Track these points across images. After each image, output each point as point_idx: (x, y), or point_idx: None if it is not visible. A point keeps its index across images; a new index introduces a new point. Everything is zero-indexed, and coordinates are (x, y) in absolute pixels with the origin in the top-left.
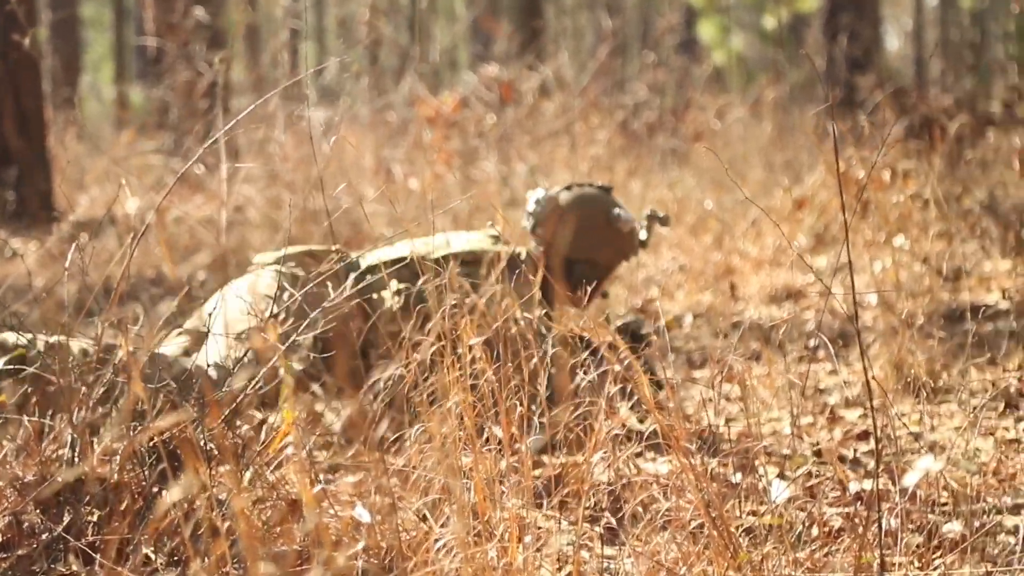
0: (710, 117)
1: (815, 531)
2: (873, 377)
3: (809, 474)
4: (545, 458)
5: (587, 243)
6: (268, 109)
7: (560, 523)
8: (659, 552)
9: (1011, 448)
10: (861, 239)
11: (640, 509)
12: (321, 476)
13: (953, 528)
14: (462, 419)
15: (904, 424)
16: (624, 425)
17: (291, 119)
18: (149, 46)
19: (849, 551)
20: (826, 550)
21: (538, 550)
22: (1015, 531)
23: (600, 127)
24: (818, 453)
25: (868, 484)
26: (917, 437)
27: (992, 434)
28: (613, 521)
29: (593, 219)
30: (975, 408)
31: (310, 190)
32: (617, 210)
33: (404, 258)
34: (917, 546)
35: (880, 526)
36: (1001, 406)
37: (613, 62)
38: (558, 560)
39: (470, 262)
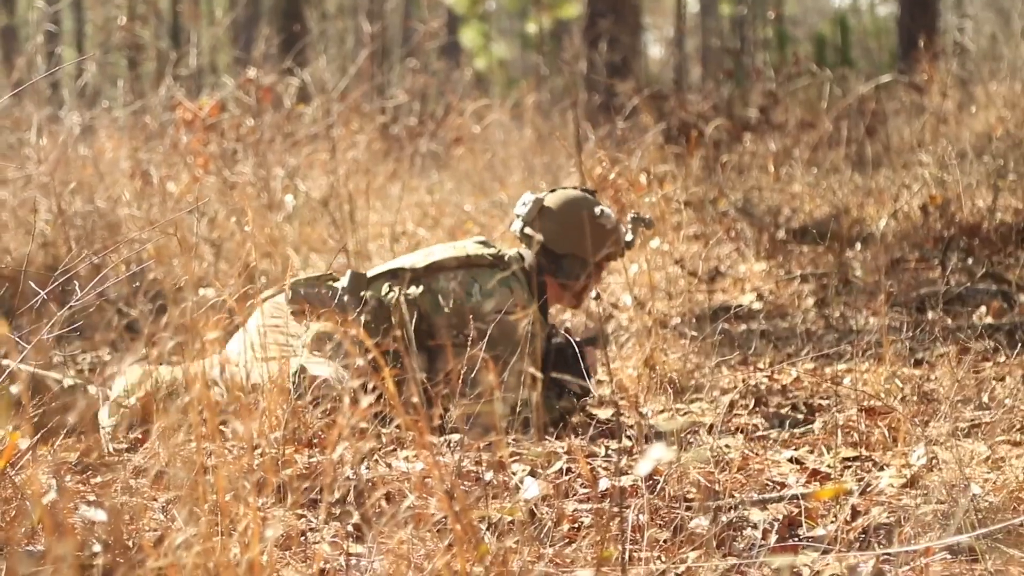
0: (470, 121)
1: (566, 527)
2: (619, 378)
3: (560, 471)
4: (297, 456)
5: (573, 238)
6: (24, 112)
7: (309, 520)
8: (404, 547)
9: (759, 444)
10: None
11: (386, 505)
12: (68, 476)
13: (700, 523)
14: (204, 415)
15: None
16: (368, 420)
17: (47, 122)
18: None
19: (594, 546)
20: (573, 546)
21: (284, 547)
22: (759, 526)
23: (360, 131)
24: (569, 451)
25: (619, 481)
26: (665, 433)
27: (741, 431)
28: (356, 517)
29: (578, 215)
30: (722, 405)
31: (64, 193)
32: (600, 207)
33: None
34: (664, 541)
35: (625, 520)
36: (751, 403)
37: (374, 67)
38: (305, 557)
39: (460, 267)
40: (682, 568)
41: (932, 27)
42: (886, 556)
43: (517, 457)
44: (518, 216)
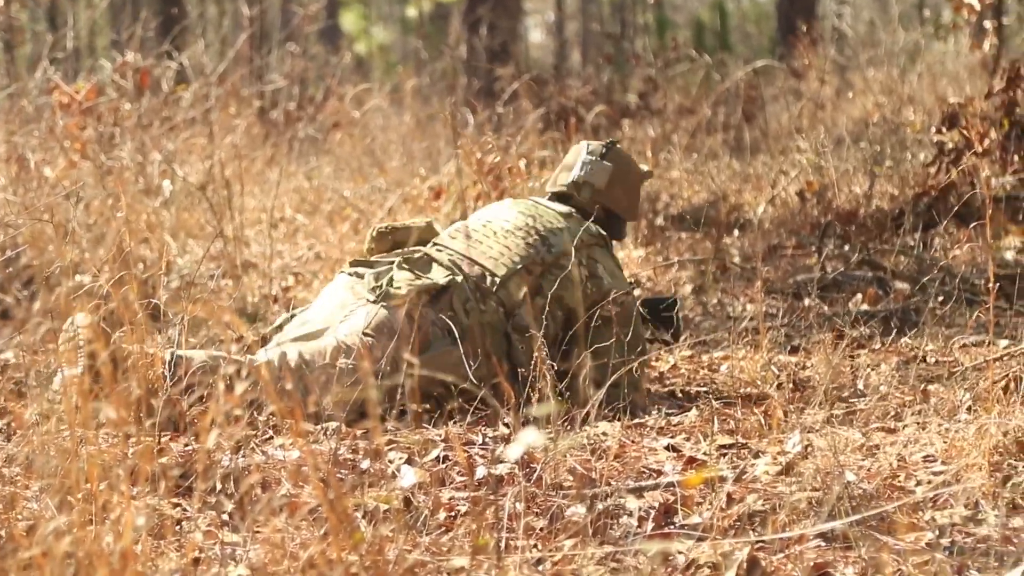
0: (350, 106)
1: (442, 515)
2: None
3: (437, 459)
4: (173, 444)
5: (635, 205)
6: None
7: (183, 508)
8: (279, 535)
9: (635, 432)
10: None
11: (261, 493)
12: None
13: (576, 511)
14: (76, 401)
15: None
16: (239, 406)
17: None
18: None
19: (470, 534)
20: (450, 534)
21: (158, 536)
22: (634, 513)
23: (238, 116)
24: (446, 438)
25: (496, 469)
26: (546, 420)
27: (618, 419)
28: (227, 505)
29: (635, 179)
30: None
31: None
32: (643, 167)
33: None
34: (540, 529)
35: (501, 508)
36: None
37: (252, 50)
38: (180, 546)
39: (578, 249)
40: (558, 556)
41: (811, 13)
42: (761, 543)
43: (394, 445)
44: (583, 178)
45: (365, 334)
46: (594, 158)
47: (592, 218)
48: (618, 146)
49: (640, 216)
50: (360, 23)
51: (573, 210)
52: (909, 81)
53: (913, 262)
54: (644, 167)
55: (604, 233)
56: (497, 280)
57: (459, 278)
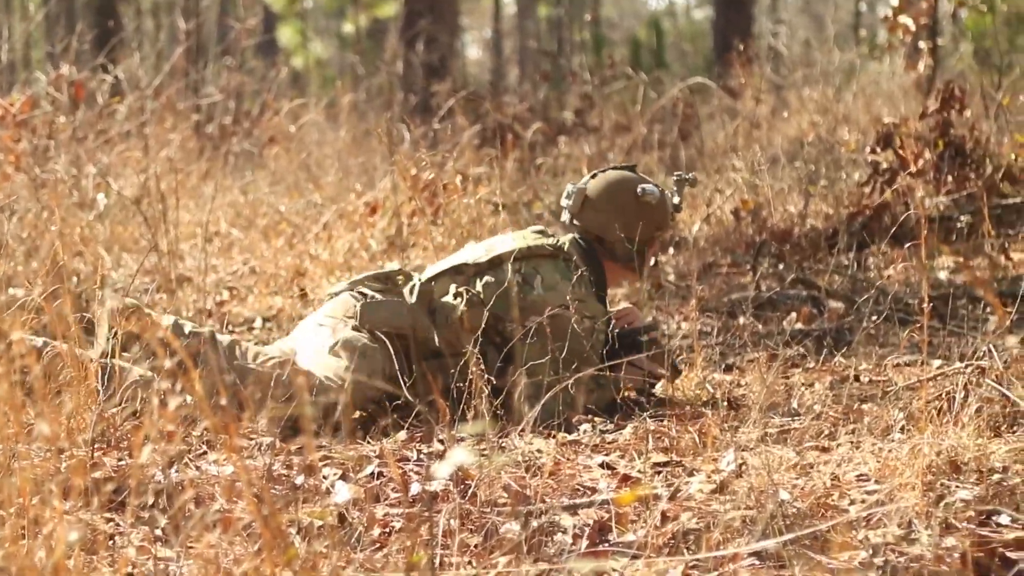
0: (286, 121)
1: (376, 532)
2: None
3: (372, 475)
4: (107, 459)
5: (621, 223)
6: None
7: (117, 523)
8: (212, 551)
9: (570, 449)
10: (433, 243)
11: (195, 509)
12: None
13: (511, 528)
14: (8, 415)
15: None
16: (176, 422)
17: None
18: None
19: (404, 551)
20: (384, 551)
21: (91, 551)
22: (569, 531)
23: (174, 129)
24: (380, 454)
25: (430, 485)
26: (483, 438)
27: (553, 436)
28: (161, 521)
29: (622, 200)
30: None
31: None
32: (642, 186)
33: (459, 267)
34: (474, 546)
35: (435, 525)
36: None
37: (188, 64)
38: (113, 561)
39: (522, 258)
40: (492, 573)
41: (747, 31)
42: (695, 561)
43: (328, 460)
44: (564, 208)
45: (328, 316)
46: (575, 185)
47: (579, 238)
48: (612, 171)
49: (634, 236)
50: (297, 38)
51: (547, 231)
52: (844, 101)
53: (847, 281)
54: (648, 186)
55: (565, 249)
56: (423, 278)
57: (413, 274)
